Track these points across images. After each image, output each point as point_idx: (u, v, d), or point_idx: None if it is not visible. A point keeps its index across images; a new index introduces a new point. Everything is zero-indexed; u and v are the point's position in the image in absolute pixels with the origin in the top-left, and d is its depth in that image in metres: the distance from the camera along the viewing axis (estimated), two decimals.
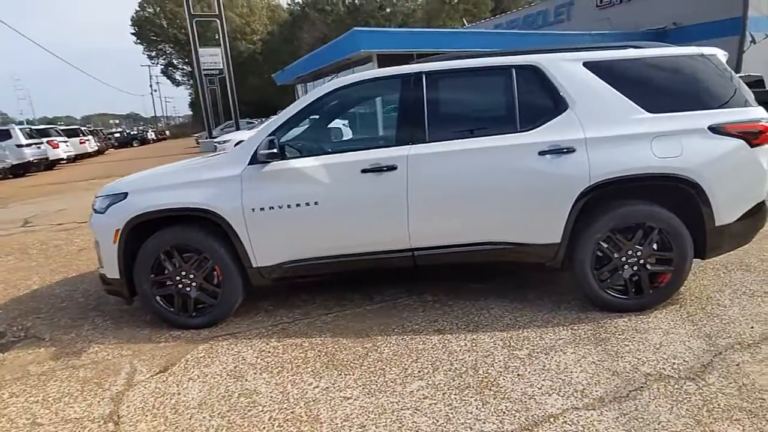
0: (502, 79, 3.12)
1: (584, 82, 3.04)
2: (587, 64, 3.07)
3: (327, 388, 2.55)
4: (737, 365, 2.49)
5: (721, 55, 3.16)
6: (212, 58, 25.19)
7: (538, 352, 2.75)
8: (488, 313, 3.30)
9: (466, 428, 2.15)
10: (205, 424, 2.31)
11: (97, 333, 3.44)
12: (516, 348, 2.82)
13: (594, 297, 3.16)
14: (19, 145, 16.57)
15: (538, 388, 2.40)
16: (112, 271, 3.31)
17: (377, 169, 3.05)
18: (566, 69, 3.07)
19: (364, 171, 3.06)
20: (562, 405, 2.26)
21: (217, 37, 48.21)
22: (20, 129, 17.21)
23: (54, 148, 18.84)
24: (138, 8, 53.78)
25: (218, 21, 20.85)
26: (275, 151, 3.03)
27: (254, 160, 3.11)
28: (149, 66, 54.43)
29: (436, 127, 3.11)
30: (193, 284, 3.29)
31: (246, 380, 2.68)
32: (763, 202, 3.08)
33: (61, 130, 22.28)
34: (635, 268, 3.07)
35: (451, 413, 2.26)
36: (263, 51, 46.06)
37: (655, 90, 3.07)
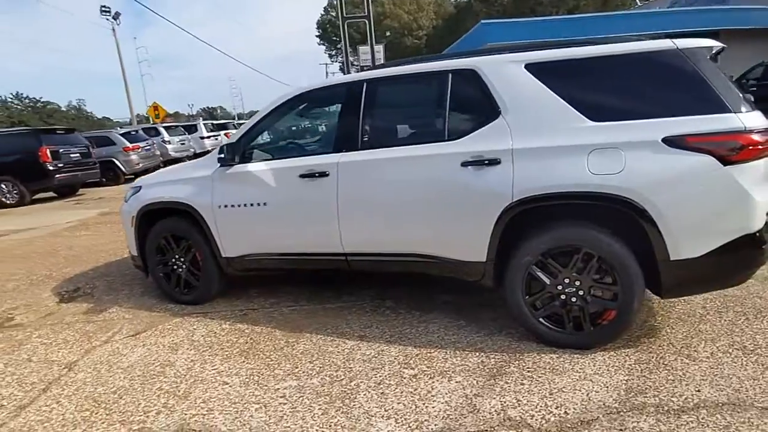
0: (438, 84, 2.96)
1: (521, 87, 2.72)
2: (530, 66, 2.73)
3: (221, 371, 2.84)
4: (621, 430, 2.07)
5: (708, 48, 2.51)
6: (367, 55, 26.70)
7: (425, 375, 2.63)
8: (425, 327, 3.20)
9: (298, 430, 2.25)
10: (115, 382, 2.81)
11: (125, 298, 4.28)
12: (409, 366, 2.73)
13: (526, 326, 2.84)
14: (202, 137, 20.13)
15: (384, 411, 2.34)
16: (133, 249, 4.09)
17: (311, 175, 3.19)
18: (505, 72, 2.78)
19: (301, 176, 3.23)
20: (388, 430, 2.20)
21: (388, 33, 50.60)
22: (203, 123, 20.89)
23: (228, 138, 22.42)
24: (323, 12, 59.49)
25: (367, 21, 22.15)
26: (223, 156, 3.39)
27: (222, 162, 3.52)
28: (326, 65, 59.75)
29: (369, 135, 3.11)
30: (183, 266, 3.87)
31: (176, 353, 3.12)
32: (752, 236, 2.39)
33: (239, 123, 26.28)
34: (573, 299, 2.68)
35: (288, 416, 2.36)
36: (427, 46, 47.08)
37: (606, 94, 2.60)
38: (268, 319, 3.55)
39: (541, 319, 2.77)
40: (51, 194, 13.05)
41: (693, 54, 2.45)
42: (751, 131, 2.30)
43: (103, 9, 21.90)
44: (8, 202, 11.97)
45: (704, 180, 2.35)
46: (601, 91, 2.61)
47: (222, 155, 3.40)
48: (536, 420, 2.18)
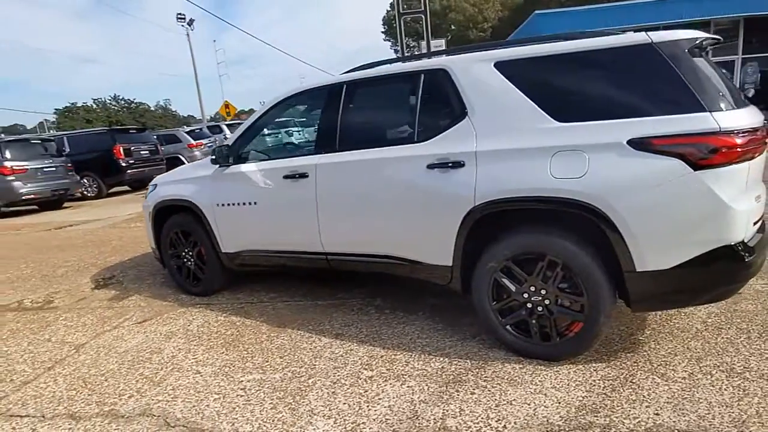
0: (412, 85, 2.91)
1: (488, 86, 2.61)
2: (499, 65, 2.62)
3: (199, 361, 3.01)
4: None
5: (690, 40, 2.27)
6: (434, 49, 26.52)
7: (381, 377, 2.63)
8: (402, 329, 3.19)
9: (230, 422, 2.34)
10: (107, 366, 3.06)
11: (147, 287, 4.62)
12: (370, 368, 2.74)
13: (493, 333, 2.75)
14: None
15: (328, 410, 2.37)
16: (152, 242, 4.41)
17: (293, 176, 3.27)
18: (474, 71, 2.68)
19: (285, 177, 3.32)
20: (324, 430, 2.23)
21: (453, 27, 49.70)
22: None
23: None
24: (389, 8, 59.80)
25: (423, 17, 21.96)
26: (214, 157, 3.56)
27: (214, 162, 3.69)
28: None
29: (347, 136, 3.13)
30: (191, 260, 4.12)
31: (168, 341, 3.35)
32: (731, 248, 2.15)
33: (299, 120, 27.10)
34: (540, 308, 2.56)
35: (240, 408, 2.45)
36: (492, 38, 45.87)
37: (575, 92, 2.43)
38: (260, 313, 3.69)
39: (508, 327, 2.67)
40: (126, 188, 14.26)
41: (668, 48, 2.23)
42: (727, 132, 2.07)
43: (179, 16, 23.49)
44: (89, 194, 13.27)
45: (672, 186, 2.14)
46: (569, 89, 2.45)
47: (213, 156, 3.57)
48: (468, 427, 2.12)
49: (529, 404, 2.26)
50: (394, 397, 2.43)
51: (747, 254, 2.15)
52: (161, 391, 2.70)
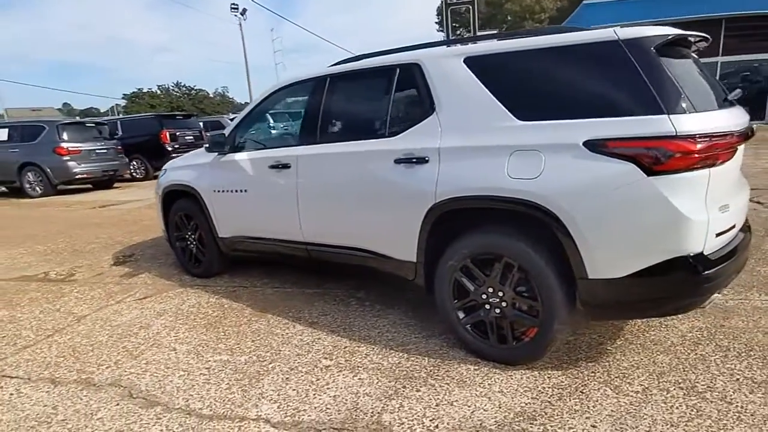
0: (388, 79, 2.89)
1: (456, 82, 2.57)
2: (468, 60, 2.56)
3: (179, 339, 3.17)
4: None
5: (660, 36, 2.13)
6: None
7: (337, 367, 2.67)
8: (375, 322, 3.22)
9: (185, 398, 2.47)
10: (99, 337, 3.28)
11: (158, 266, 4.87)
12: (330, 357, 2.79)
13: (454, 332, 2.73)
14: None
15: (276, 395, 2.44)
16: (161, 224, 4.65)
17: (277, 166, 3.35)
18: (445, 66, 2.64)
19: (270, 167, 3.41)
20: (258, 415, 2.30)
21: (509, 17, 48.28)
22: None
23: None
24: None
25: (470, 7, 21.49)
26: (208, 146, 3.70)
27: (208, 150, 3.83)
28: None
29: (327, 129, 3.17)
30: (193, 243, 4.31)
31: (158, 318, 3.54)
32: (686, 260, 2.02)
33: None
34: (497, 310, 2.51)
35: (199, 386, 2.58)
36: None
37: (536, 90, 2.35)
38: (249, 297, 3.83)
39: (467, 327, 2.64)
40: None
41: (634, 46, 2.11)
42: (684, 137, 1.94)
43: (233, 6, 24.22)
44: (137, 176, 14.05)
45: (625, 191, 2.04)
46: (532, 87, 2.37)
47: (207, 145, 3.72)
48: (402, 428, 2.13)
49: (469, 406, 2.24)
50: (341, 388, 2.47)
51: (704, 267, 2.02)
52: (135, 365, 2.87)
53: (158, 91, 70.07)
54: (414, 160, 2.64)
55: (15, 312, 3.86)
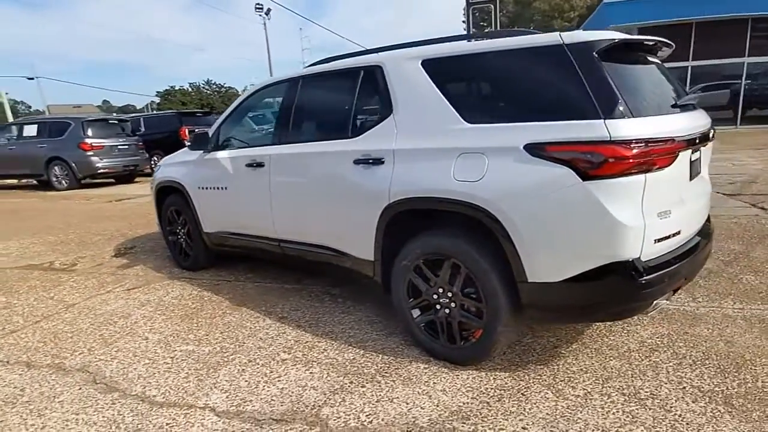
0: (353, 81, 2.94)
1: (413, 84, 2.59)
2: (425, 63, 2.58)
3: (153, 329, 3.29)
4: None
5: (607, 41, 2.11)
6: None
7: (294, 361, 2.73)
8: (341, 318, 3.27)
9: (143, 385, 2.58)
10: (81, 325, 3.44)
11: (153, 259, 5.05)
12: (289, 351, 2.86)
13: (409, 331, 2.77)
14: None
15: (229, 385, 2.52)
16: (156, 218, 4.82)
17: (252, 165, 3.44)
18: (403, 69, 2.66)
19: (247, 165, 3.50)
20: (206, 403, 2.39)
21: (537, 16, 47.54)
22: None
23: None
24: None
25: (492, 6, 21.30)
26: (190, 144, 3.81)
27: (191, 148, 3.95)
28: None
29: (298, 129, 3.24)
30: (183, 237, 4.46)
31: (140, 309, 3.68)
32: (621, 265, 2.00)
33: None
34: (447, 311, 2.54)
35: (160, 374, 2.68)
36: (577, 28, 43.41)
37: (484, 94, 2.37)
38: (229, 291, 3.94)
39: (421, 326, 2.67)
40: None
41: (578, 50, 2.10)
42: (619, 142, 1.93)
43: (257, 6, 24.65)
44: None
45: (562, 195, 2.03)
46: (481, 90, 2.39)
47: (189, 143, 3.84)
48: (338, 422, 2.17)
49: (407, 404, 2.27)
50: (291, 381, 2.53)
51: (640, 273, 2.00)
52: (107, 352, 3.00)
53: (190, 89, 71.84)
54: (371, 161, 2.68)
55: (12, 299, 4.07)
